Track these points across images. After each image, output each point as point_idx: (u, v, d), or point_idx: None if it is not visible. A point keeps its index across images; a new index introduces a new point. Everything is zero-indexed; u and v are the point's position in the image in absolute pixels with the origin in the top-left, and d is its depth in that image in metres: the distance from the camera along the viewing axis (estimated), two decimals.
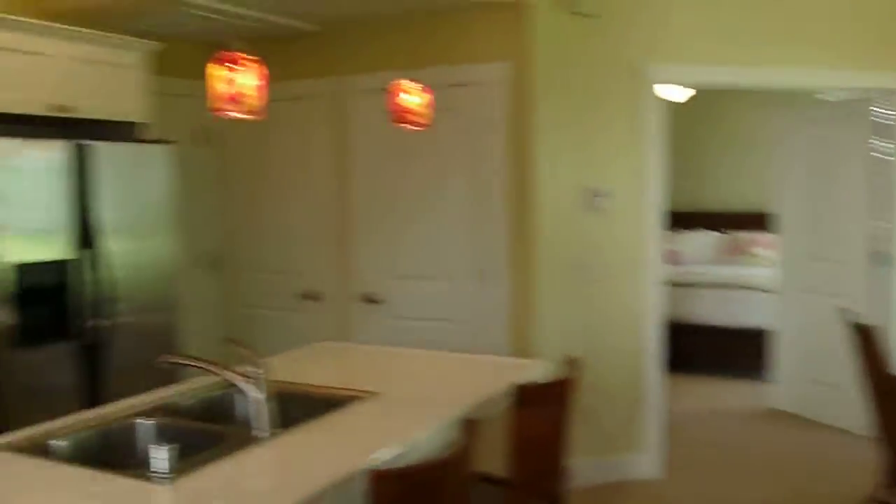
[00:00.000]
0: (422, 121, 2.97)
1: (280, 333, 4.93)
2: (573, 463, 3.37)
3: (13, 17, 3.37)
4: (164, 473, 1.87)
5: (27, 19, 3.44)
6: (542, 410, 2.33)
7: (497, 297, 4.29)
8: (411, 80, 2.98)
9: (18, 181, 3.19)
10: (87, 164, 3.43)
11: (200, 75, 4.39)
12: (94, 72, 3.64)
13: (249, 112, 2.15)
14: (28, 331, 3.22)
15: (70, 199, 3.36)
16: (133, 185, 3.64)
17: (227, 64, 2.12)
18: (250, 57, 2.18)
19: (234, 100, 2.13)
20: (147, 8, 4.01)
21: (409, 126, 2.94)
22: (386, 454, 1.97)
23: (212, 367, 2.22)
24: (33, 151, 3.26)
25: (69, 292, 3.36)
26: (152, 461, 1.88)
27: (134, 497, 1.74)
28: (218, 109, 2.17)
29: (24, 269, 3.21)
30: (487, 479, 2.56)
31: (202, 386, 2.64)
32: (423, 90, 2.96)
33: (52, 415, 2.38)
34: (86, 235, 3.42)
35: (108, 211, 3.51)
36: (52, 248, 3.31)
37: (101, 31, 3.75)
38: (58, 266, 3.33)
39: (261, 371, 2.19)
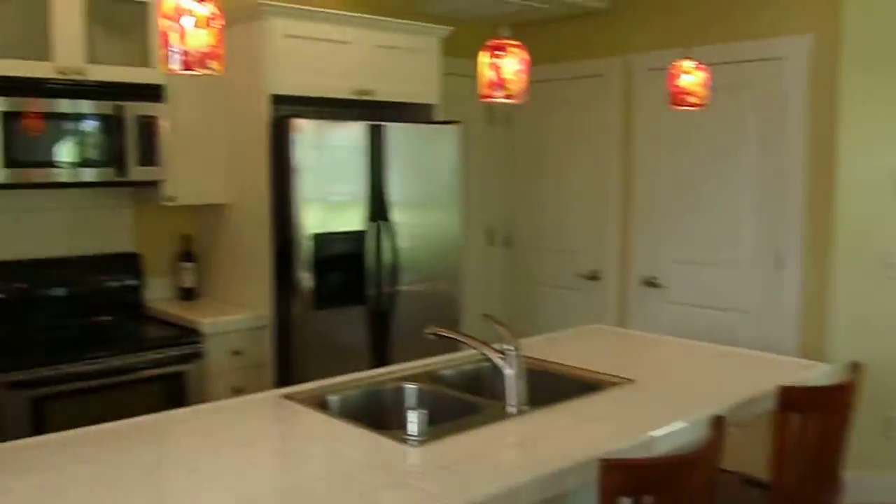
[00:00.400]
0: (698, 101, 2.82)
1: (559, 312, 5.00)
2: (865, 477, 3.05)
3: (326, 10, 3.72)
4: (415, 436, 1.98)
5: (337, 11, 3.78)
6: (811, 415, 2.14)
7: (788, 290, 3.99)
8: (688, 58, 2.84)
9: (323, 158, 3.53)
10: (383, 144, 3.70)
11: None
12: (393, 57, 3.90)
13: (509, 97, 2.19)
14: (325, 294, 3.57)
15: (366, 175, 3.65)
16: (423, 162, 3.87)
17: (493, 51, 2.17)
18: (514, 42, 2.22)
19: (499, 86, 2.18)
20: None
21: (686, 107, 2.81)
22: (626, 444, 1.93)
23: (471, 342, 2.31)
24: (337, 131, 3.58)
25: (362, 260, 3.67)
26: (408, 424, 2.01)
27: (384, 454, 1.88)
28: (485, 96, 2.24)
29: (324, 238, 3.55)
30: (750, 482, 2.41)
31: (468, 358, 2.76)
32: (698, 67, 2.81)
33: (344, 370, 2.63)
34: (379, 208, 3.70)
35: (399, 186, 3.77)
36: (349, 219, 3.63)
37: (394, 17, 4.03)
38: (353, 236, 3.64)
39: (515, 349, 2.25)
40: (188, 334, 3.43)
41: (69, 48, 3.21)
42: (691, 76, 2.78)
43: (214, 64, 1.73)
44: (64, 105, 3.20)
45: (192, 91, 3.64)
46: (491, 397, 2.44)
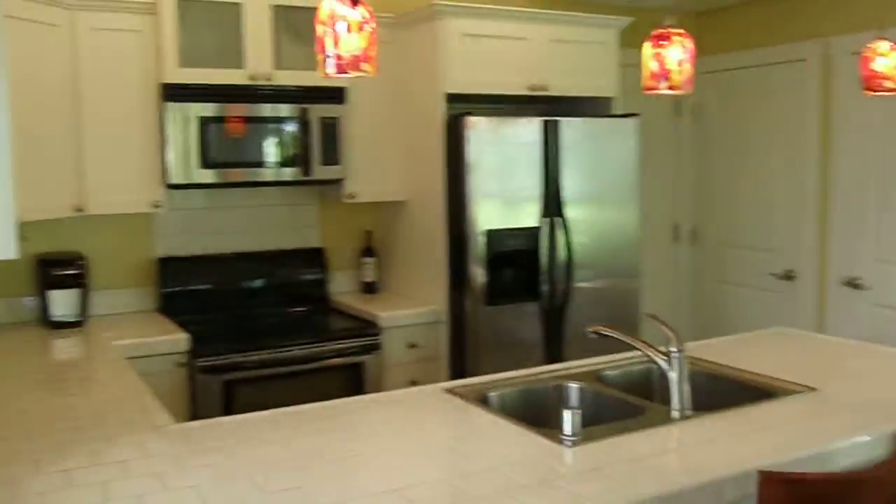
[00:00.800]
0: (892, 85, 2.56)
1: (750, 314, 4.74)
2: None
3: (502, 7, 3.74)
4: (569, 436, 1.95)
5: (513, 8, 3.78)
6: None
7: None
8: (883, 38, 2.59)
9: (497, 155, 3.55)
10: (558, 139, 3.66)
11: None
12: (569, 51, 3.85)
13: (673, 87, 2.09)
14: (498, 290, 3.59)
15: (540, 171, 3.63)
16: (600, 157, 3.79)
17: (657, 41, 2.09)
18: (677, 31, 2.12)
19: (663, 76, 2.10)
20: None
21: (882, 93, 2.57)
22: (794, 456, 1.79)
23: (634, 342, 2.23)
24: (511, 128, 3.59)
25: (536, 256, 3.65)
26: (563, 423, 1.97)
27: (536, 452, 1.86)
28: (649, 88, 2.16)
29: (497, 234, 3.57)
30: None
31: (637, 358, 2.68)
32: (894, 48, 2.55)
33: (516, 366, 2.64)
34: (553, 205, 3.66)
35: (575, 182, 3.71)
36: (523, 215, 3.62)
37: (571, 9, 3.97)
38: (527, 232, 3.63)
39: (679, 351, 2.15)
40: (368, 327, 3.57)
41: (259, 56, 3.43)
42: (887, 59, 2.53)
43: (367, 66, 1.78)
44: (255, 109, 3.43)
45: (372, 92, 3.78)
46: (659, 401, 2.34)
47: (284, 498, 1.62)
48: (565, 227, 3.68)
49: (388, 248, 4.11)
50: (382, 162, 3.83)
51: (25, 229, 3.12)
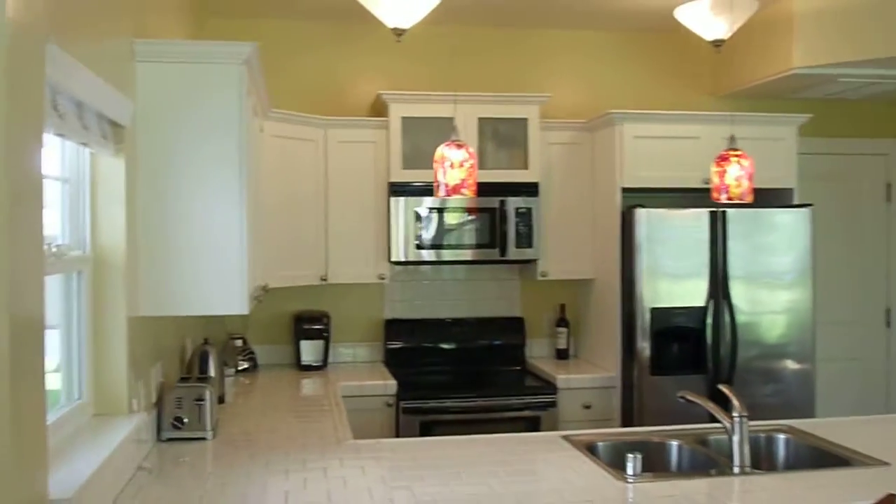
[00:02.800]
0: None
1: None
2: None
3: (672, 112, 4.22)
4: (631, 476, 2.42)
5: (684, 112, 4.25)
6: None
7: None
8: None
9: (666, 242, 3.99)
10: (725, 227, 4.01)
11: (872, 132, 4.65)
12: (748, 146, 4.18)
13: (731, 198, 2.54)
14: (662, 361, 4.00)
15: (707, 257, 4.01)
16: (767, 244, 4.07)
17: (718, 161, 2.57)
18: (736, 152, 2.55)
19: (724, 190, 2.55)
20: (804, 84, 4.40)
21: None
22: None
23: (707, 405, 2.63)
24: (679, 217, 4.02)
25: (702, 333, 4.01)
26: (626, 465, 2.45)
27: (599, 486, 2.34)
28: (714, 198, 2.62)
29: (662, 311, 3.99)
30: None
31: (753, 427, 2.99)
32: None
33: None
34: (718, 286, 4.01)
35: (742, 266, 4.03)
36: (689, 295, 4.01)
37: (756, 106, 4.33)
38: (692, 311, 4.02)
39: (741, 416, 2.52)
40: (547, 387, 4.15)
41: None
42: None
43: (466, 191, 2.47)
44: (462, 201, 4.21)
45: (564, 186, 4.41)
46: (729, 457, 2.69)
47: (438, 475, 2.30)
48: (730, 306, 4.00)
49: (579, 319, 4.66)
50: (571, 245, 4.43)
51: (266, 294, 4.10)
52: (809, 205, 4.13)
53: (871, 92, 4.64)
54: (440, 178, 2.48)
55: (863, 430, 3.01)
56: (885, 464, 2.53)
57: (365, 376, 4.14)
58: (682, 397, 2.71)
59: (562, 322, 4.64)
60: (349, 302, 4.55)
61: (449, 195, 2.50)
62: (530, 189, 4.29)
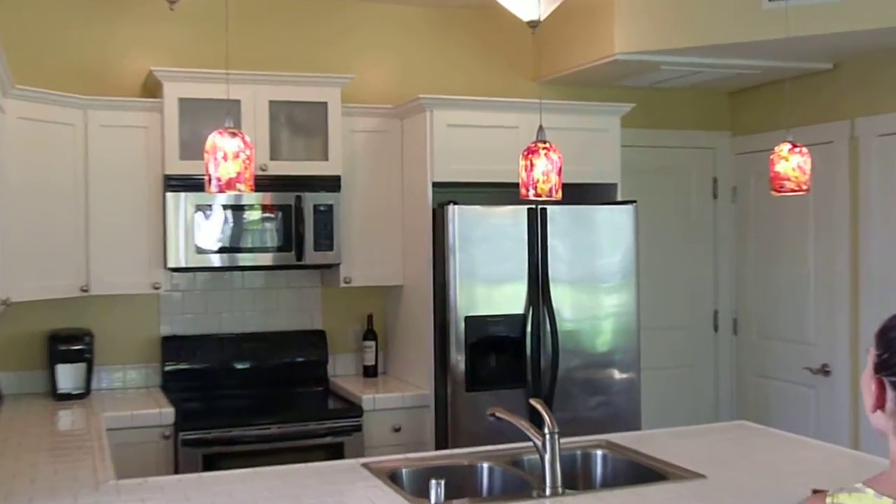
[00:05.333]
0: (795, 186, 3.03)
1: (788, 408, 5.05)
2: None
3: (488, 99, 4.40)
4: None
5: (501, 98, 4.42)
6: None
7: None
8: (787, 141, 3.07)
9: (480, 242, 4.12)
10: (545, 226, 4.19)
11: (698, 124, 5.00)
12: (566, 139, 4.37)
13: (539, 195, 2.69)
14: (479, 376, 4.13)
15: (526, 258, 4.17)
16: (590, 244, 4.30)
17: (527, 154, 2.71)
18: (545, 145, 2.71)
19: (532, 185, 2.69)
20: (627, 72, 4.69)
21: (786, 193, 3.05)
22: None
23: (521, 424, 2.75)
24: (497, 215, 4.18)
25: (521, 343, 4.17)
26: (430, 493, 2.51)
27: None
28: (522, 195, 2.76)
29: (478, 320, 4.13)
30: None
31: (573, 444, 3.15)
32: (797, 151, 3.03)
33: None
34: (539, 291, 4.19)
35: (563, 269, 4.23)
36: (507, 301, 4.17)
37: (581, 93, 4.58)
38: (511, 319, 4.18)
39: (551, 434, 2.65)
40: (351, 409, 4.18)
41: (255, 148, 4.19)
42: (786, 160, 3.02)
43: (242, 185, 2.46)
44: (250, 198, 4.17)
45: (369, 180, 4.47)
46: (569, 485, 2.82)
47: None
48: (551, 313, 4.20)
49: (389, 331, 4.74)
50: (378, 247, 4.49)
51: (8, 309, 3.86)
52: (633, 201, 4.40)
53: (696, 81, 5.01)
54: (211, 171, 2.45)
55: (682, 442, 3.25)
56: (702, 476, 2.75)
57: (137, 404, 4.02)
58: (493, 414, 2.82)
59: (369, 335, 4.69)
60: (117, 317, 4.39)
61: (222, 191, 2.48)
62: (331, 183, 4.32)
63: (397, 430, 4.20)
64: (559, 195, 2.80)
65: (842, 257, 4.73)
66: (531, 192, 2.74)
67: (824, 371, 4.86)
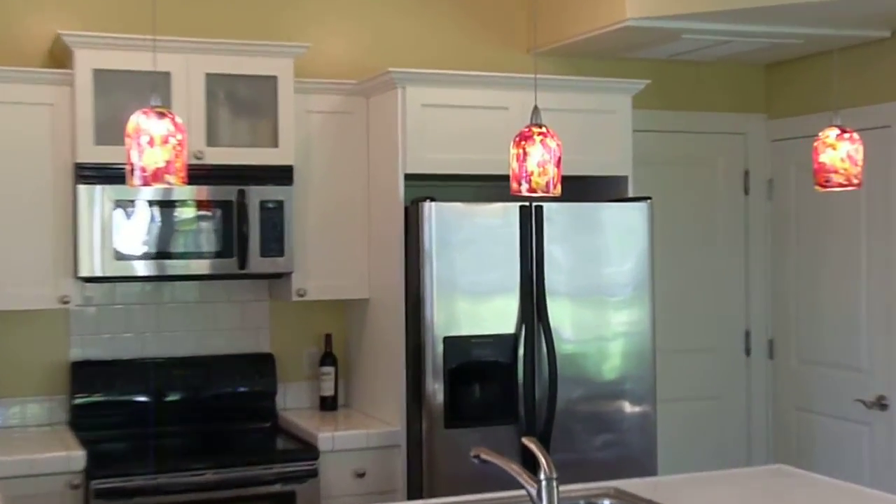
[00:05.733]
0: (845, 181, 3.01)
1: (836, 448, 5.01)
2: None
3: (473, 73, 4.34)
4: None
5: (488, 73, 4.36)
6: None
7: None
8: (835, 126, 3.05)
9: (463, 246, 4.06)
10: (541, 227, 4.14)
11: (726, 105, 4.95)
12: (566, 122, 4.29)
13: (533, 191, 2.63)
14: (461, 410, 4.07)
15: (518, 266, 4.11)
16: (597, 249, 4.25)
17: (520, 141, 2.67)
18: (542, 130, 2.67)
19: (525, 178, 2.65)
20: (641, 41, 4.65)
21: (832, 189, 3.02)
22: None
23: (512, 469, 2.68)
24: (482, 214, 4.13)
25: (512, 370, 4.11)
26: None
27: None
28: (514, 190, 2.73)
29: (460, 342, 4.06)
30: None
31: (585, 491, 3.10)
32: (847, 138, 3.01)
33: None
34: (534, 306, 4.13)
35: (563, 279, 4.18)
36: (495, 319, 4.11)
37: (584, 67, 4.53)
38: (500, 340, 4.11)
39: (548, 480, 2.58)
40: (305, 450, 4.10)
41: (189, 131, 4.11)
42: (833, 149, 3.00)
43: (171, 178, 2.39)
44: (183, 192, 4.08)
45: (327, 172, 4.40)
46: None
47: None
48: (548, 333, 4.14)
49: (351, 355, 4.67)
50: (338, 253, 4.41)
51: None
52: (647, 198, 4.35)
53: (724, 53, 4.97)
54: (134, 159, 2.38)
55: (707, 490, 3.20)
56: None
57: (39, 446, 3.94)
58: (477, 456, 2.76)
59: (327, 359, 4.62)
60: (15, 338, 4.31)
61: (147, 184, 2.41)
62: (281, 175, 4.26)
63: (361, 475, 4.14)
64: (558, 190, 2.75)
65: None
66: (524, 186, 2.69)
67: (881, 405, 4.82)
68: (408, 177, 4.18)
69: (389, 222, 4.24)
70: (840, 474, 3.70)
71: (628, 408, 4.32)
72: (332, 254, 4.40)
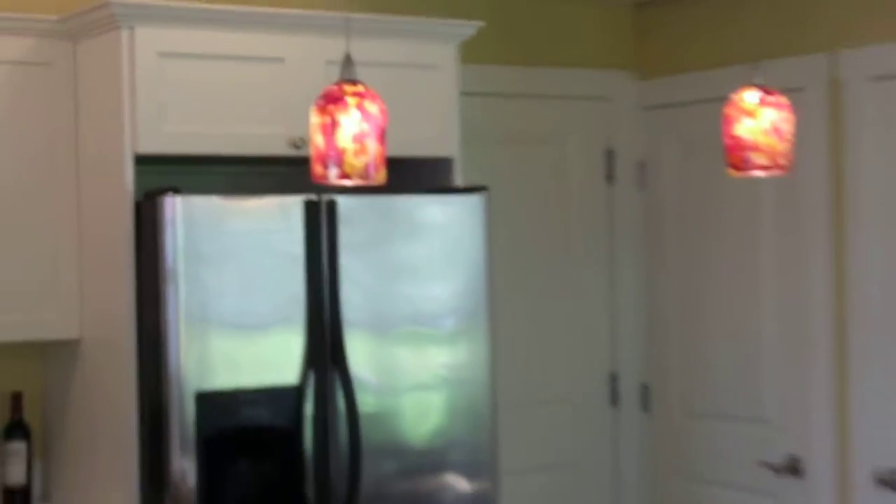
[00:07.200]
0: (764, 161, 3.09)
1: None
2: None
3: (235, 9, 4.24)
4: None
5: (261, 9, 4.29)
6: None
7: None
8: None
9: (224, 259, 3.97)
10: (334, 230, 4.09)
11: (583, 59, 5.03)
12: (380, 80, 4.28)
13: (346, 176, 2.60)
14: (224, 497, 3.98)
15: (302, 285, 4.06)
16: (412, 258, 4.24)
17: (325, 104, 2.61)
18: (359, 88, 2.63)
19: (333, 159, 2.60)
20: None
21: (751, 172, 3.10)
22: None
23: None
24: (249, 213, 4.07)
25: (295, 438, 4.05)
26: None
27: None
28: (317, 175, 2.69)
29: (220, 399, 3.97)
30: None
31: None
32: (772, 102, 3.09)
33: None
34: (325, 345, 4.08)
35: (365, 303, 4.15)
36: (272, 366, 4.04)
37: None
38: (276, 395, 4.04)
39: None
40: None
41: None
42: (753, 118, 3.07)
43: None
44: None
45: (10, 149, 4.21)
46: None
47: None
48: (346, 384, 4.09)
49: (54, 425, 4.49)
50: (27, 271, 4.24)
51: None
52: (483, 188, 4.36)
53: None
54: None
55: None
56: None
57: None
58: None
59: (15, 432, 4.44)
60: None
61: None
62: None
63: None
64: (382, 175, 2.70)
65: (818, 281, 4.86)
66: (333, 171, 2.62)
67: (793, 469, 4.98)
68: (140, 159, 4.05)
69: (112, 225, 4.10)
70: None
71: (460, 485, 4.32)
72: (18, 274, 4.23)
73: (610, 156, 5.57)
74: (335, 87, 2.71)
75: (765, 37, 4.83)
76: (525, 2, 5.22)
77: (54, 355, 4.49)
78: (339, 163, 2.65)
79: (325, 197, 4.12)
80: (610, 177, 5.58)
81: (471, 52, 4.64)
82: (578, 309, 5.49)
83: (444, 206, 4.37)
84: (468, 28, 4.56)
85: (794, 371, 4.99)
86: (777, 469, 5.03)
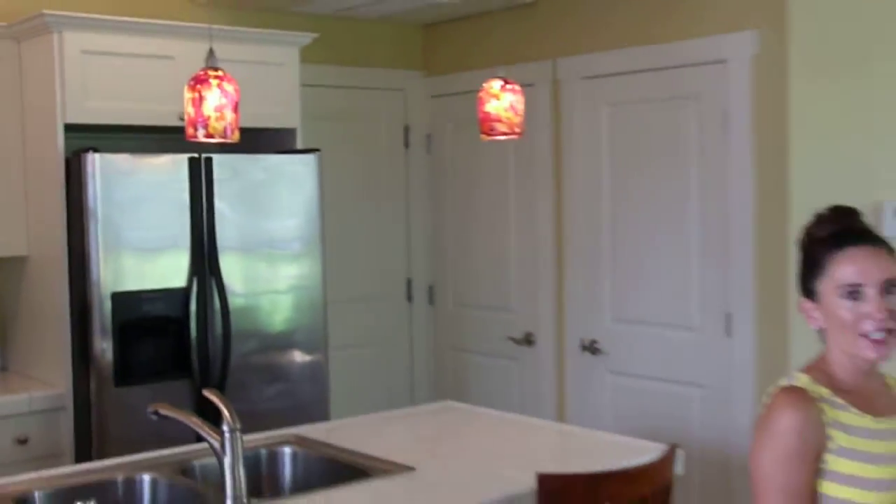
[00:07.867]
0: (507, 129, 3.10)
1: (491, 382, 5.22)
2: None
3: (136, 20, 4.08)
4: None
5: (153, 21, 4.13)
6: None
7: (741, 356, 4.15)
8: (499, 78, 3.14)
9: (129, 200, 3.85)
10: (211, 180, 3.99)
11: (387, 62, 4.99)
12: (233, 73, 4.20)
13: (211, 136, 2.52)
14: (131, 368, 3.86)
15: (188, 219, 3.95)
16: (265, 201, 4.15)
17: (196, 84, 2.52)
18: (219, 73, 2.54)
19: (201, 123, 2.51)
20: None
21: (496, 137, 3.11)
22: None
23: (193, 422, 2.56)
24: (149, 167, 3.94)
25: (184, 324, 3.95)
26: None
27: None
28: (190, 136, 2.58)
29: (128, 297, 3.85)
30: None
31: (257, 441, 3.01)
32: (510, 89, 3.10)
33: None
34: (204, 259, 3.98)
35: (233, 231, 4.05)
36: (165, 274, 3.93)
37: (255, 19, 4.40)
38: (170, 294, 3.93)
39: (232, 431, 2.48)
40: None
41: None
42: (497, 99, 3.08)
43: None
44: None
45: None
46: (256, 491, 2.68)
47: None
48: (220, 287, 4.00)
49: (9, 315, 4.32)
50: None
51: None
52: (316, 150, 4.31)
53: (385, 11, 5.00)
54: None
55: (384, 429, 3.23)
56: (410, 469, 2.72)
57: None
58: (155, 412, 2.61)
59: None
60: None
61: None
62: None
63: (23, 441, 3.85)
64: (236, 136, 2.65)
65: (545, 215, 4.93)
66: (201, 132, 2.57)
67: (528, 341, 5.07)
68: (69, 127, 3.89)
69: (48, 175, 3.94)
70: (494, 405, 3.89)
71: (301, 357, 4.29)
72: None
73: (407, 130, 5.55)
74: (202, 72, 2.64)
75: (510, 48, 4.87)
76: (347, 21, 5.15)
77: (8, 268, 4.30)
78: (205, 126, 2.59)
79: (205, 155, 4.02)
80: (407, 144, 5.56)
81: (309, 55, 4.56)
82: (385, 235, 5.47)
83: (290, 162, 4.30)
84: (306, 38, 4.49)
85: (528, 274, 5.05)
86: (517, 341, 5.10)
